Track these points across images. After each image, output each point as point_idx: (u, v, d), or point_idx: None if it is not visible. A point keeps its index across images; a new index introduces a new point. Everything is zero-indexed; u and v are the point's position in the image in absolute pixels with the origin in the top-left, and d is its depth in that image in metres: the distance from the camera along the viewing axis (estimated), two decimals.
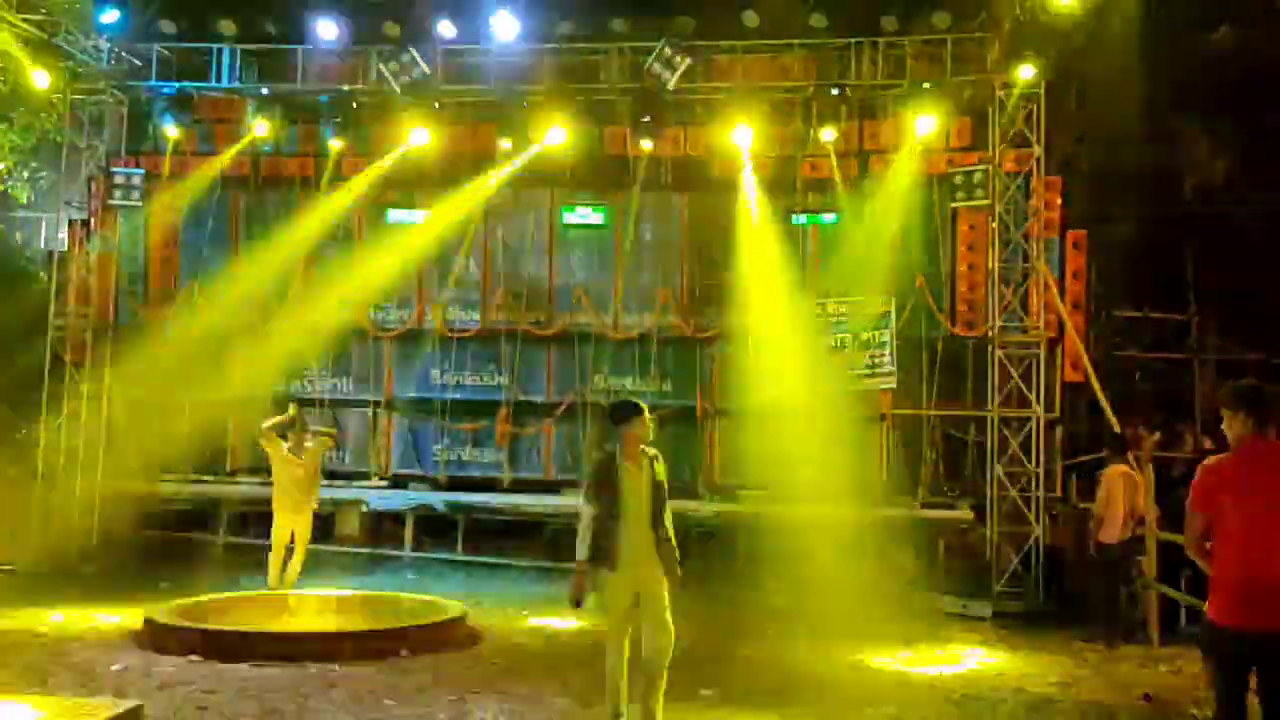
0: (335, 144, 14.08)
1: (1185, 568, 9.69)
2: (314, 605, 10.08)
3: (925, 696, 7.89)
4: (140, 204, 13.87)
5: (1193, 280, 14.14)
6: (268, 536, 10.89)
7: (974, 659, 9.23)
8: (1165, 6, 12.57)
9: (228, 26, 13.27)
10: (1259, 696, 4.85)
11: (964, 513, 13.09)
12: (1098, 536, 10.52)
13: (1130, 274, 13.73)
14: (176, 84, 13.84)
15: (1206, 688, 5.28)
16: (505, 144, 13.91)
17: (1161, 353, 14.12)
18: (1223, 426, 5.13)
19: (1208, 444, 12.26)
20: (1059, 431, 12.86)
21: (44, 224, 14.89)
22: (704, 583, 12.58)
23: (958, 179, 12.72)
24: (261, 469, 14.72)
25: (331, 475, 14.61)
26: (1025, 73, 11.86)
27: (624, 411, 6.57)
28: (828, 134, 13.33)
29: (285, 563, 10.64)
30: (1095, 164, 13.61)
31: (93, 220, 14.06)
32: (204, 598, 9.89)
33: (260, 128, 13.70)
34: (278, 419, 10.89)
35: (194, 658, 8.24)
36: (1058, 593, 11.22)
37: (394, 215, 14.80)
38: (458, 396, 14.71)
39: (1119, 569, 10.33)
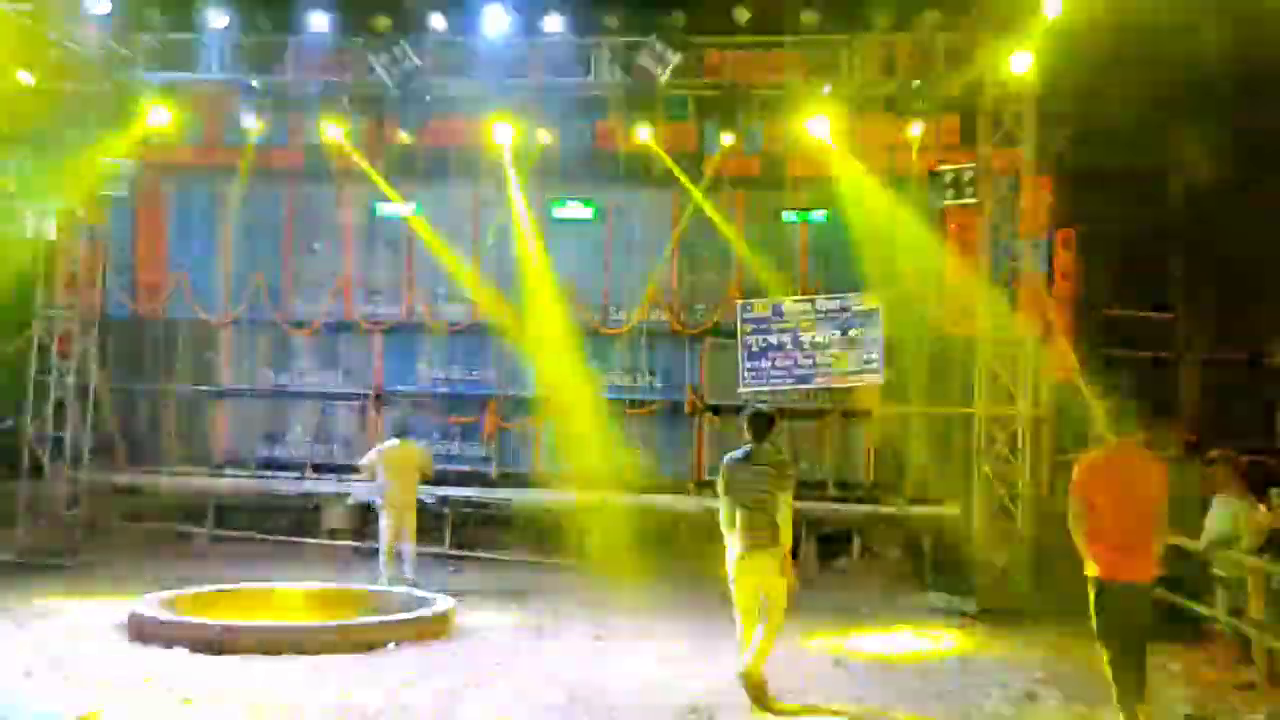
0: (325, 136, 14.03)
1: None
2: (300, 598, 10.07)
3: (910, 690, 7.93)
4: (129, 194, 13.81)
5: (1180, 280, 14.20)
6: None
7: (960, 654, 9.26)
8: (1155, 5, 12.60)
9: (218, 17, 13.20)
10: (1127, 624, 6.66)
11: (951, 510, 13.15)
12: None
13: (1118, 273, 13.77)
14: (166, 74, 13.78)
15: (1098, 631, 6.81)
16: (495, 137, 13.90)
17: (1148, 352, 14.17)
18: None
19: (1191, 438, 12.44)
20: (1045, 430, 12.91)
21: (31, 215, 14.81)
22: (694, 577, 12.63)
23: (947, 177, 12.73)
24: (250, 462, 14.83)
25: (319, 469, 14.66)
26: (1015, 70, 11.89)
27: (769, 422, 7.58)
28: (818, 131, 13.34)
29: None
30: (1084, 163, 13.64)
31: (81, 211, 13.99)
32: (189, 590, 9.87)
33: (250, 119, 13.65)
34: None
35: (179, 650, 8.23)
36: (1043, 589, 11.25)
37: (383, 208, 14.77)
38: (447, 390, 14.71)
39: None
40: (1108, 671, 6.74)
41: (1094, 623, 6.75)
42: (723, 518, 7.42)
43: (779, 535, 7.22)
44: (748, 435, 7.52)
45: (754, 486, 7.27)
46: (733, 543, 7.36)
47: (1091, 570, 6.64)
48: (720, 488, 7.47)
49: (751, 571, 7.30)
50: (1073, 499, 6.72)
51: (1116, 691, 6.69)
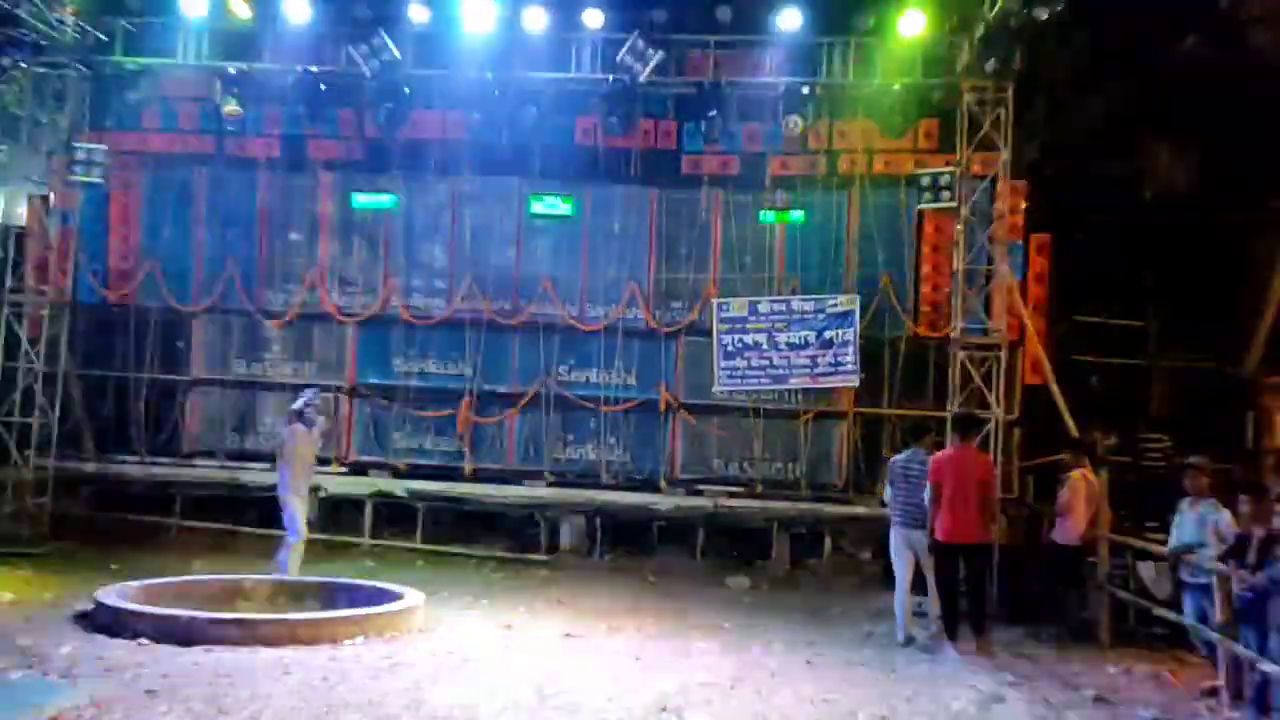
0: (302, 126, 13.92)
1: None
2: (268, 591, 10.00)
3: (880, 690, 7.95)
4: (102, 181, 13.66)
5: (1152, 287, 14.31)
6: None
7: (926, 656, 9.30)
8: (1134, 15, 12.70)
9: (196, 3, 13.08)
10: (963, 573, 9.53)
11: None
12: (1053, 537, 10.67)
13: (1091, 279, 13.87)
14: (142, 60, 13.65)
15: (937, 577, 9.57)
16: (473, 131, 13.84)
17: (1119, 358, 14.28)
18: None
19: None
20: (1017, 433, 12.99)
21: (1, 199, 14.64)
22: (664, 577, 12.65)
23: (925, 180, 12.82)
24: (220, 453, 14.69)
25: None
26: (993, 76, 11.97)
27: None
28: (797, 131, 13.38)
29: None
30: (1060, 169, 13.74)
31: (53, 196, 13.84)
32: (155, 581, 9.78)
33: (226, 107, 13.55)
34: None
35: (144, 642, 8.15)
36: (1011, 593, 11.32)
37: (360, 199, 14.67)
38: (421, 384, 14.62)
39: (1072, 570, 10.47)
40: (940, 606, 9.56)
41: (937, 561, 9.45)
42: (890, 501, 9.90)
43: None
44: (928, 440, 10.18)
45: (914, 478, 9.65)
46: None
47: (939, 535, 9.29)
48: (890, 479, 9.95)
49: (909, 544, 9.66)
50: (932, 485, 9.36)
51: (944, 622, 9.49)
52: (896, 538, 9.81)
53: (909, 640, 9.52)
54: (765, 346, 13.52)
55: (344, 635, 8.56)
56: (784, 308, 13.57)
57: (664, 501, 13.82)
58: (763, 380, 13.59)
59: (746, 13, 12.98)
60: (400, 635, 8.88)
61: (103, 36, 13.42)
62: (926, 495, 9.63)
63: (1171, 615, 9.35)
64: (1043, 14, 11.06)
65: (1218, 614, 8.10)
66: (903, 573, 9.67)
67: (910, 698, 7.83)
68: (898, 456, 10.07)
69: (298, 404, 11.20)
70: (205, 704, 6.73)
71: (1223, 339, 14.05)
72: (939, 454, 9.68)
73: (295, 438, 10.92)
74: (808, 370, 13.45)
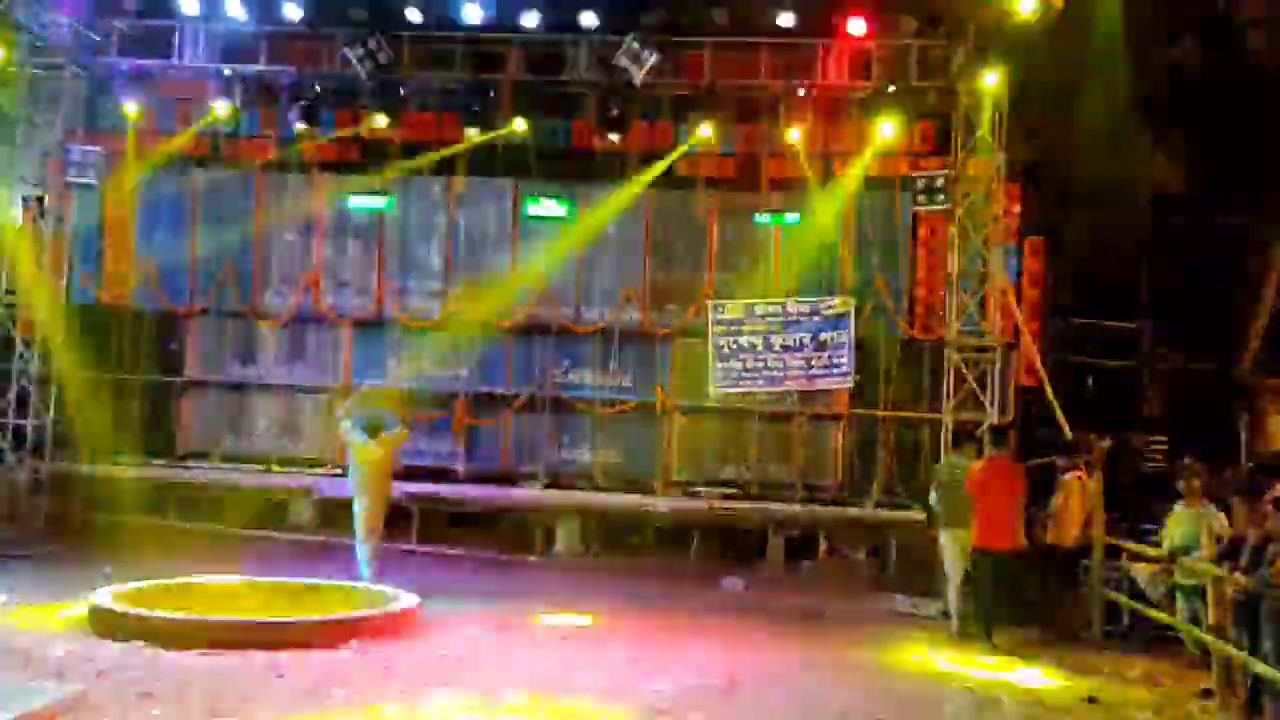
0: (297, 127, 13.92)
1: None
2: (263, 594, 9.98)
3: (876, 690, 7.96)
4: (96, 182, 13.64)
5: (1147, 290, 14.34)
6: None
7: (921, 658, 9.31)
8: (1128, 18, 12.73)
9: (191, 4, 13.08)
10: (990, 576, 9.75)
11: (916, 513, 13.20)
12: (1047, 539, 10.68)
13: (1085, 282, 13.90)
14: (137, 61, 13.63)
15: (975, 580, 9.99)
16: (470, 133, 13.84)
17: (1113, 360, 14.31)
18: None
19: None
20: (1011, 436, 12.98)
21: None
22: (659, 579, 12.65)
23: (919, 183, 12.84)
24: (214, 455, 14.67)
25: (286, 462, 14.53)
26: (989, 79, 11.98)
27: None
28: (793, 134, 13.40)
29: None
30: (1054, 172, 13.76)
31: (47, 197, 13.82)
32: (150, 583, 9.75)
33: (221, 108, 13.55)
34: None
35: (138, 644, 8.12)
36: (1005, 594, 11.33)
37: (355, 201, 14.67)
38: (416, 385, 14.60)
39: (1067, 571, 10.49)
40: (962, 605, 10.04)
41: (975, 561, 9.85)
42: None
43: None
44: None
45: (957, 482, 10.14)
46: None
47: (976, 541, 9.74)
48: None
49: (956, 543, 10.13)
50: (967, 494, 9.83)
51: (982, 617, 9.82)
52: (944, 537, 10.35)
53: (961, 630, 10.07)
54: (760, 349, 13.53)
55: (339, 638, 8.53)
56: (779, 310, 13.59)
57: (659, 503, 13.83)
58: (758, 382, 13.60)
59: (742, 15, 12.98)
60: (395, 638, 8.85)
61: (98, 37, 13.40)
62: (933, 498, 10.44)
63: (1165, 617, 9.36)
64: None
65: (1211, 616, 8.11)
66: (953, 571, 10.25)
67: (907, 698, 7.83)
68: (941, 463, 11.05)
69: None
70: (199, 707, 6.71)
71: (1218, 341, 14.07)
72: (975, 464, 9.99)
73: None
74: (803, 372, 13.47)
